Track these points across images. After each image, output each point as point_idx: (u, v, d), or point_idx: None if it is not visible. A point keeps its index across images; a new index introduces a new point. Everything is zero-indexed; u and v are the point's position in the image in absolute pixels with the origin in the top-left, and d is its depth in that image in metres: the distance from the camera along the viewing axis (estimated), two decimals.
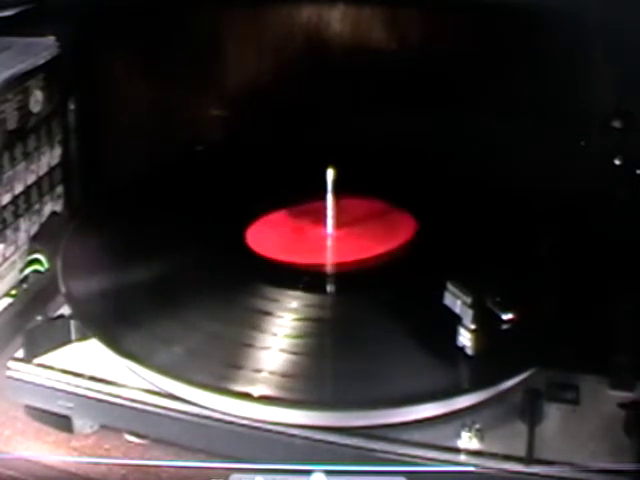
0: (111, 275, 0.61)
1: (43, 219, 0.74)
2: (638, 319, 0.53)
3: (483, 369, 0.52)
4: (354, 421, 0.51)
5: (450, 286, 0.53)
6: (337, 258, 0.63)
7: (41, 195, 0.73)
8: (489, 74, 0.74)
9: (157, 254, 0.63)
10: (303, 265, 0.61)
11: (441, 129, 0.75)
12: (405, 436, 0.50)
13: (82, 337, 0.58)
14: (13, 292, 0.68)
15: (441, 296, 0.54)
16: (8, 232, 0.69)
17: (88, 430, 0.57)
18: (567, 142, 0.69)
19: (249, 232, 0.65)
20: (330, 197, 0.64)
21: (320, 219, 0.65)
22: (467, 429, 0.50)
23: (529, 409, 0.51)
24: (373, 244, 0.63)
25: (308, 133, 0.80)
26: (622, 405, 0.52)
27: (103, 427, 0.57)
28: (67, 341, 0.58)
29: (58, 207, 0.76)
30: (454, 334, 0.53)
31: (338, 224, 0.65)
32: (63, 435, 0.57)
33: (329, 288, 0.60)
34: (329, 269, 0.62)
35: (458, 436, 0.50)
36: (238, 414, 0.51)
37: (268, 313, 0.57)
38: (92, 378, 0.55)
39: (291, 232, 0.65)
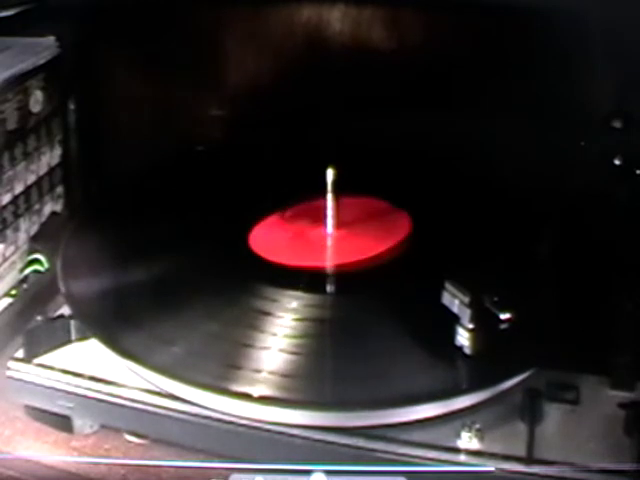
0: (111, 275, 0.62)
1: (43, 219, 0.74)
2: (638, 319, 0.53)
3: (482, 369, 0.52)
4: (354, 421, 0.51)
5: (448, 285, 0.53)
6: (336, 258, 0.63)
7: (41, 195, 0.73)
8: (489, 74, 0.74)
9: (157, 254, 0.63)
10: (303, 265, 0.61)
11: (441, 129, 0.75)
12: (405, 436, 0.50)
13: (82, 337, 0.58)
14: (13, 292, 0.68)
15: (439, 296, 0.54)
16: (8, 232, 0.69)
17: (88, 430, 0.57)
18: (567, 142, 0.69)
19: (249, 232, 0.65)
20: (330, 197, 0.64)
21: (320, 219, 0.65)
22: (467, 429, 0.50)
23: (529, 409, 0.51)
24: (372, 244, 0.63)
25: (308, 133, 0.80)
26: (622, 405, 0.52)
27: (103, 427, 0.57)
28: (67, 341, 0.58)
29: (58, 207, 0.76)
30: (453, 334, 0.53)
31: (338, 224, 0.65)
32: (63, 435, 0.57)
33: (328, 288, 0.60)
34: (329, 269, 0.62)
35: (458, 436, 0.50)
36: (238, 414, 0.51)
37: (268, 313, 0.57)
38: (92, 378, 0.55)
39: (291, 232, 0.65)
